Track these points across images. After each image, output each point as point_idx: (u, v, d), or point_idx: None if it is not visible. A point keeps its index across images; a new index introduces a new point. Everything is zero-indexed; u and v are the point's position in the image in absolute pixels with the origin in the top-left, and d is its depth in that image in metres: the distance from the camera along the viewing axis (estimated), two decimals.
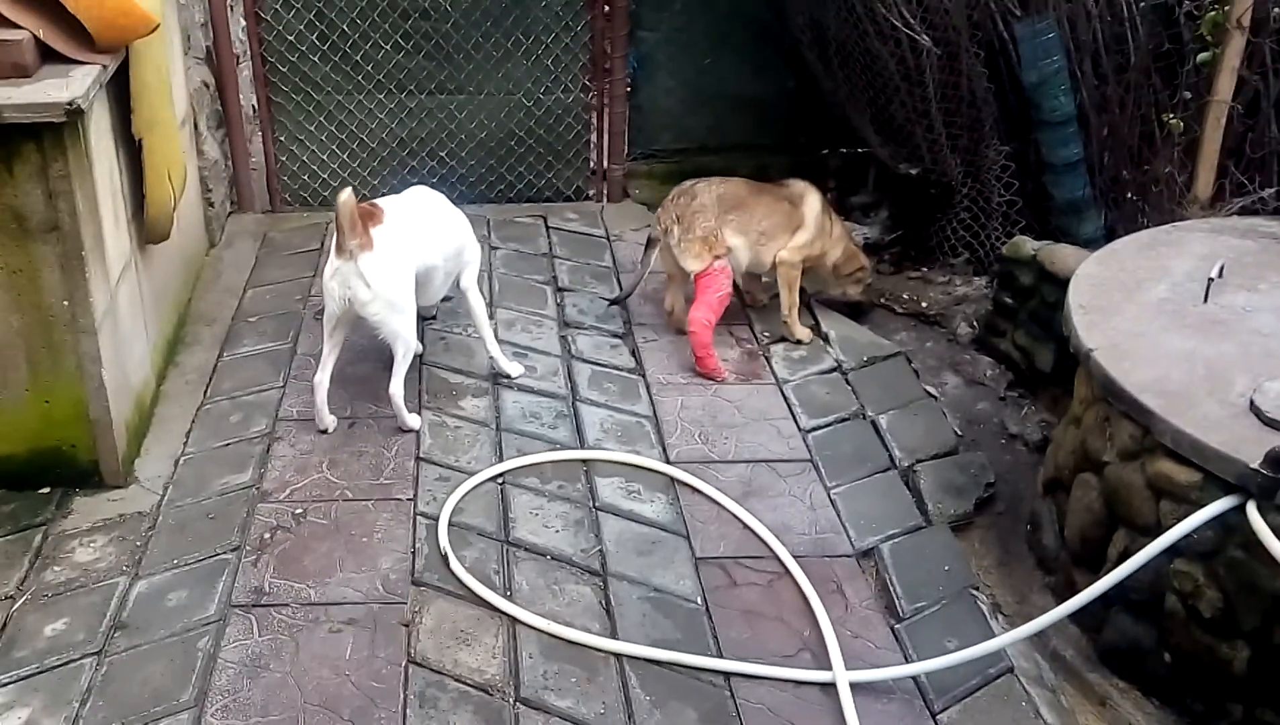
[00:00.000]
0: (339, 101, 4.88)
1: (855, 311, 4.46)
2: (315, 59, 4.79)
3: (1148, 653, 2.77)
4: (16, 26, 2.93)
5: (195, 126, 4.52)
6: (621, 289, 4.39)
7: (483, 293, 3.94)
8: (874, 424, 3.75)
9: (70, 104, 2.81)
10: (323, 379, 3.50)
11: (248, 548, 3.05)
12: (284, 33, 4.73)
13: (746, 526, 3.23)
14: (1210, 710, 2.68)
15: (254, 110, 4.91)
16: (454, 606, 2.90)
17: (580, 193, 5.23)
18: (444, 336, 4.10)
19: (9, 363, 3.10)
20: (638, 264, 4.26)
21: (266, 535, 3.10)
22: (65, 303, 3.04)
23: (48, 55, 3.00)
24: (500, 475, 3.39)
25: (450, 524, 3.15)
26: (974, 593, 3.07)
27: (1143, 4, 4.04)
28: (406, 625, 2.83)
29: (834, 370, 4.05)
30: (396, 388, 3.48)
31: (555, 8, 4.83)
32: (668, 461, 3.50)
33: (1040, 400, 3.94)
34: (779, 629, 2.90)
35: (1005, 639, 2.75)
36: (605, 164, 5.19)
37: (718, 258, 3.99)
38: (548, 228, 4.99)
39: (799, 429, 3.70)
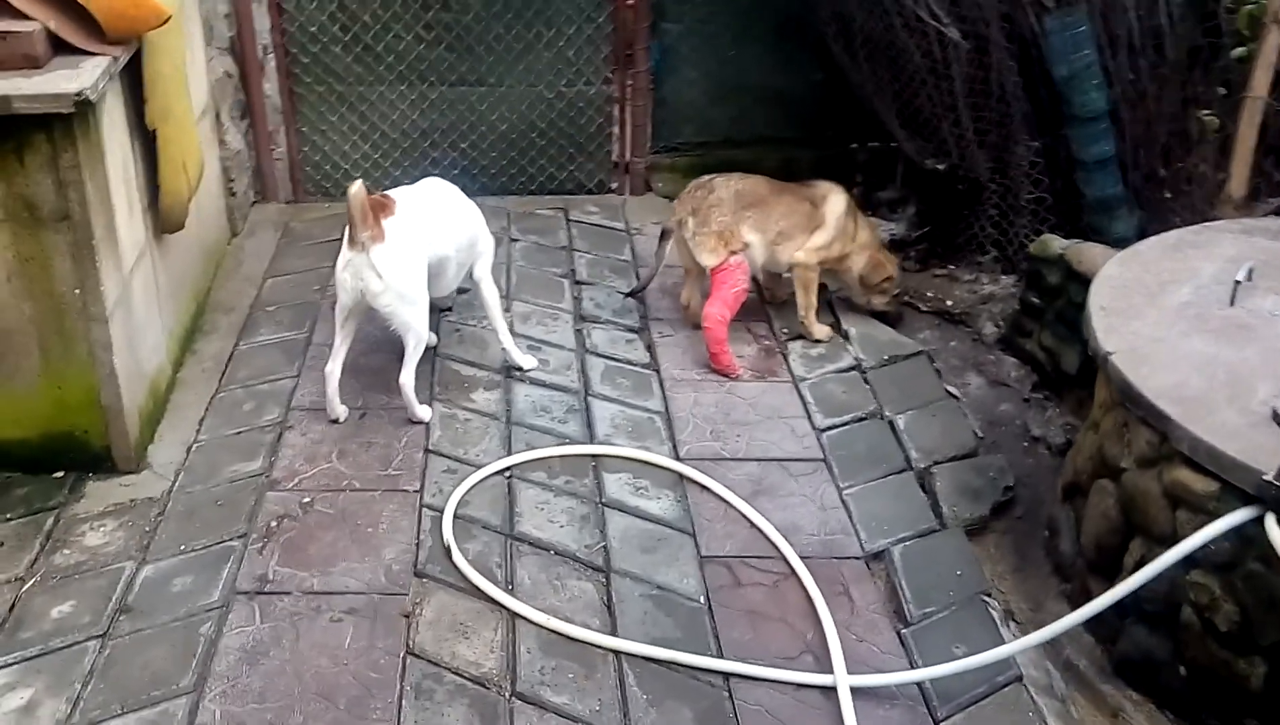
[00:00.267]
0: (361, 93, 4.89)
1: (885, 319, 4.29)
2: (338, 50, 4.80)
3: (1163, 665, 2.69)
4: (28, 18, 2.96)
5: (218, 117, 4.55)
6: (639, 282, 4.36)
7: (499, 285, 3.93)
8: (891, 424, 3.68)
9: (79, 95, 2.83)
10: (334, 369, 3.52)
11: (254, 535, 3.07)
12: (306, 24, 4.75)
13: (754, 526, 3.19)
14: None
15: (278, 101, 4.94)
16: (455, 599, 2.89)
17: (602, 186, 5.20)
18: (459, 328, 4.09)
19: (22, 349, 3.13)
20: (654, 256, 4.23)
21: (273, 523, 3.12)
22: (76, 291, 3.07)
23: (59, 46, 3.02)
24: (508, 469, 3.38)
25: (455, 516, 3.15)
26: (985, 599, 3.00)
27: None
28: (407, 616, 2.83)
29: (853, 369, 3.99)
30: (407, 378, 3.48)
31: None
32: (678, 458, 3.46)
33: (1065, 403, 3.84)
34: (782, 630, 2.85)
35: (1013, 647, 2.69)
36: (627, 157, 5.15)
37: (734, 253, 3.94)
38: (568, 220, 4.97)
39: (813, 428, 3.65)
